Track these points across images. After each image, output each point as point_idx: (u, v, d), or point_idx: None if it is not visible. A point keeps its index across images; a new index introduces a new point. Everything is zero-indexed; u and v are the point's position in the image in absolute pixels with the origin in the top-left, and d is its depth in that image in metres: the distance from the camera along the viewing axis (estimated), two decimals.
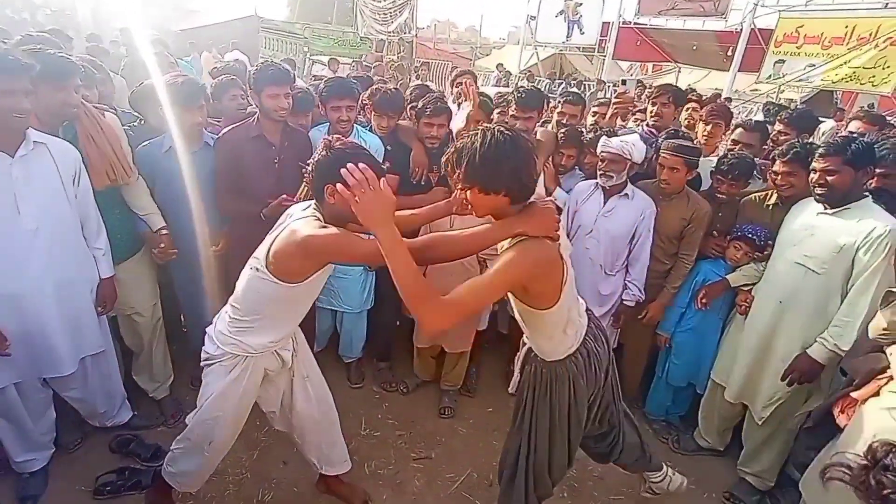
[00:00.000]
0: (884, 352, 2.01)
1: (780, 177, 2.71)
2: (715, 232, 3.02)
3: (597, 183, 3.01)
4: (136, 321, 2.80)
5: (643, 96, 9.89)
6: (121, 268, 2.56)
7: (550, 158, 3.26)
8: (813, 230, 2.48)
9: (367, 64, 12.31)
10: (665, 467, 2.50)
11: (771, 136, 3.55)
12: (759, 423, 2.71)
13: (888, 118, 4.00)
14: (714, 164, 3.01)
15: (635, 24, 13.26)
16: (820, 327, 2.44)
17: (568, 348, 1.96)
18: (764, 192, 2.94)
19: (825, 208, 2.46)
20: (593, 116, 4.51)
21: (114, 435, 2.76)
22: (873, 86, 9.19)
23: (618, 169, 2.88)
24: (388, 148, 3.12)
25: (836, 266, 2.39)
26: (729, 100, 9.53)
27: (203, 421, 2.10)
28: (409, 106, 3.40)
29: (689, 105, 4.12)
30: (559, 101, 3.88)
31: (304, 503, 2.60)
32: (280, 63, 2.93)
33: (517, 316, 1.99)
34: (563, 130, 3.33)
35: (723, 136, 3.67)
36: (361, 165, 1.58)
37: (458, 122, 2.58)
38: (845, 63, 9.28)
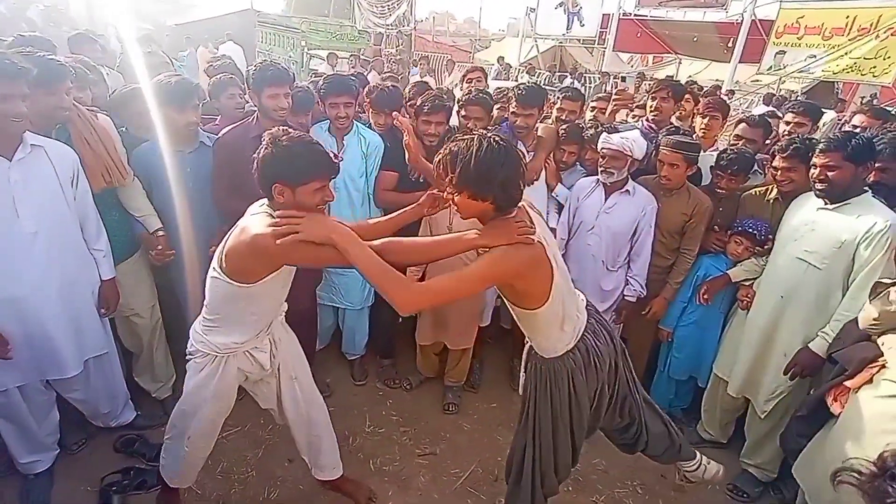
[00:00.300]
0: (874, 341, 2.04)
1: (780, 172, 2.72)
2: (716, 227, 3.03)
3: (598, 179, 3.01)
4: (135, 323, 2.80)
5: (643, 88, 9.88)
6: (118, 270, 2.56)
7: (552, 155, 3.26)
8: (813, 225, 2.49)
9: (365, 58, 12.23)
10: (699, 455, 2.47)
11: (783, 127, 3.55)
12: (762, 416, 2.73)
13: (890, 110, 3.98)
14: (714, 160, 3.01)
15: (635, 15, 13.19)
16: (821, 322, 2.46)
17: (566, 345, 1.98)
18: (764, 187, 2.95)
19: (825, 203, 2.46)
20: (592, 111, 4.49)
21: (118, 435, 2.77)
22: (874, 76, 9.15)
23: (619, 165, 2.88)
24: (388, 145, 3.11)
25: (837, 261, 2.40)
26: (731, 92, 9.50)
27: (182, 414, 2.12)
28: (409, 103, 3.39)
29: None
30: (558, 97, 3.87)
31: (310, 501, 2.61)
32: (279, 62, 2.91)
33: (514, 318, 2.02)
34: (564, 127, 3.32)
35: (720, 129, 3.66)
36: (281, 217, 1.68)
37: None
38: (846, 54, 9.23)
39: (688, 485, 2.55)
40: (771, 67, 10.31)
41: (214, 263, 1.87)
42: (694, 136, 3.37)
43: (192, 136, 2.81)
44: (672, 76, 11.96)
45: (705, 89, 5.69)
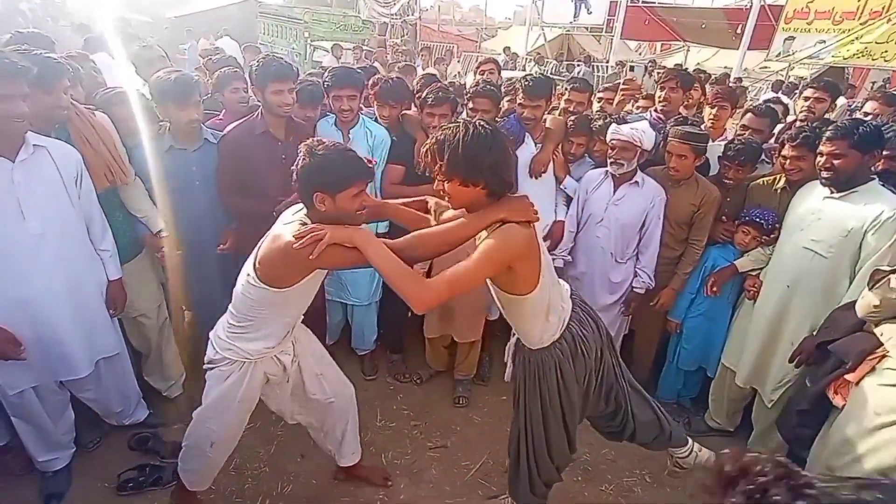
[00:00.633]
0: (871, 331, 2.05)
1: (788, 161, 2.71)
2: (723, 217, 3.02)
3: (606, 171, 3.01)
4: (142, 323, 2.79)
5: (652, 75, 9.78)
6: (123, 270, 2.53)
7: (560, 147, 3.24)
8: (820, 214, 2.48)
9: (368, 49, 12.14)
10: (691, 442, 2.50)
11: (801, 104, 3.55)
12: (769, 405, 2.74)
13: None
14: (722, 150, 3.00)
15: (643, 2, 13.04)
16: (827, 310, 2.45)
17: (551, 336, 2.00)
18: (772, 176, 2.94)
19: (831, 192, 2.46)
20: (599, 102, 4.46)
21: (132, 433, 2.80)
22: (885, 61, 9.01)
23: (628, 157, 2.87)
24: (395, 138, 3.10)
25: (844, 250, 2.40)
26: (739, 80, 9.38)
27: (203, 422, 2.13)
28: (416, 95, 3.37)
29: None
30: (566, 88, 3.84)
31: (322, 495, 2.64)
32: (281, 57, 2.88)
33: (501, 309, 2.04)
34: (572, 118, 3.31)
35: (729, 119, 3.63)
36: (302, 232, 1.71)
37: None
38: (857, 38, 9.09)
39: (681, 471, 2.56)
40: (780, 54, 10.17)
41: (247, 270, 1.90)
42: (702, 125, 3.35)
43: (196, 134, 2.78)
44: (680, 64, 11.86)
45: (713, 77, 5.64)
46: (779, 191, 2.83)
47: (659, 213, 2.95)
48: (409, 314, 3.56)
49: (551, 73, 11.53)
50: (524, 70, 11.75)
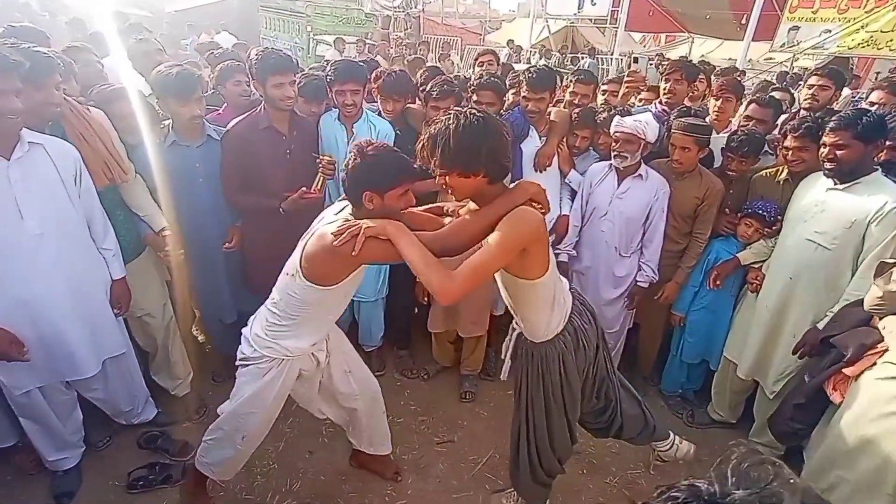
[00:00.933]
0: (874, 326, 2.04)
1: (791, 152, 2.70)
2: (726, 209, 3.01)
3: (610, 164, 3.00)
4: (147, 322, 2.78)
5: (658, 68, 9.70)
6: (127, 269, 2.50)
7: (564, 140, 3.22)
8: (823, 206, 2.47)
9: (371, 42, 12.08)
10: (672, 435, 2.56)
11: (805, 91, 3.54)
12: (771, 396, 2.75)
13: None
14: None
15: None
16: (830, 302, 2.46)
17: (556, 327, 2.02)
18: (775, 168, 2.93)
19: (835, 183, 2.45)
20: (603, 95, 4.43)
21: (141, 432, 2.82)
22: (891, 50, 8.90)
23: (632, 149, 2.86)
24: (398, 132, 3.09)
25: (847, 241, 2.40)
26: (743, 72, 9.30)
27: (236, 416, 2.16)
28: (421, 89, 3.36)
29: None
30: (570, 80, 3.82)
31: (331, 491, 2.66)
32: (280, 50, 2.84)
33: (506, 299, 2.04)
34: (576, 111, 3.29)
35: (735, 111, 3.61)
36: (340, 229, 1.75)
37: None
38: (862, 27, 8.98)
39: (662, 463, 2.67)
40: (784, 44, 10.08)
41: (289, 270, 1.93)
42: (707, 117, 3.33)
43: (198, 130, 2.74)
44: (685, 56, 11.77)
45: (717, 69, 5.60)
46: (781, 182, 2.82)
47: (663, 206, 2.94)
48: (416, 310, 3.56)
49: (555, 66, 11.46)
50: (529, 63, 11.66)
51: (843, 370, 2.03)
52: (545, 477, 2.30)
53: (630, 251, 3.04)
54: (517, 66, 5.40)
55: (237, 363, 2.13)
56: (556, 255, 3.06)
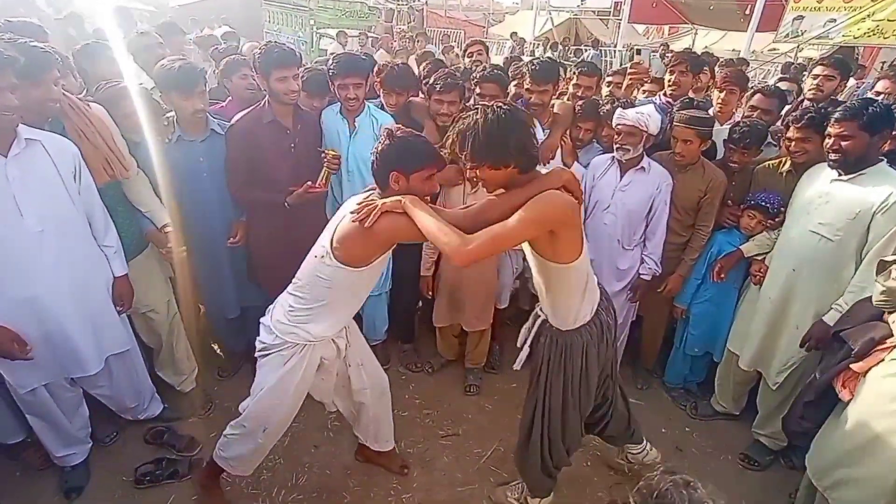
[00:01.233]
0: (884, 320, 2.02)
1: (794, 143, 2.68)
2: (729, 201, 3.00)
3: (613, 157, 2.99)
4: (151, 319, 2.78)
5: (664, 58, 9.63)
6: (129, 266, 2.48)
7: (568, 132, 3.21)
8: (827, 197, 2.45)
9: (373, 35, 12.02)
10: (645, 441, 2.63)
11: (810, 82, 3.51)
12: (774, 388, 2.75)
13: None
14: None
15: None
16: (833, 294, 2.45)
17: (584, 317, 2.03)
18: (778, 159, 2.91)
19: (839, 174, 2.42)
20: (608, 87, 4.41)
21: (147, 427, 2.84)
22: None
23: (634, 142, 2.84)
24: (401, 126, 3.07)
25: (851, 233, 2.38)
26: (747, 63, 9.23)
27: (260, 409, 2.15)
28: (424, 82, 3.34)
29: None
30: (574, 72, 3.79)
31: (336, 486, 2.67)
32: (283, 44, 2.82)
33: (538, 280, 2.04)
34: (580, 103, 3.27)
35: (739, 103, 3.59)
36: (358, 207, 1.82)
37: None
38: (868, 16, 8.88)
39: (627, 465, 2.71)
40: (788, 34, 9.99)
41: (317, 253, 1.95)
42: (710, 109, 3.30)
43: (202, 124, 2.72)
44: (689, 48, 11.69)
45: (721, 60, 5.54)
46: (784, 174, 2.81)
47: (665, 198, 2.93)
48: (420, 304, 3.57)
49: (558, 58, 11.39)
50: (533, 55, 11.60)
51: (851, 366, 2.01)
52: (552, 468, 2.31)
53: (633, 244, 3.03)
54: (524, 59, 5.37)
55: (257, 353, 2.13)
56: None
